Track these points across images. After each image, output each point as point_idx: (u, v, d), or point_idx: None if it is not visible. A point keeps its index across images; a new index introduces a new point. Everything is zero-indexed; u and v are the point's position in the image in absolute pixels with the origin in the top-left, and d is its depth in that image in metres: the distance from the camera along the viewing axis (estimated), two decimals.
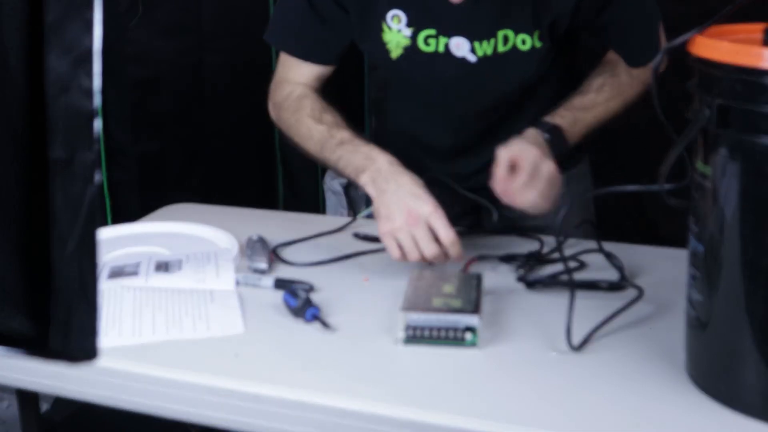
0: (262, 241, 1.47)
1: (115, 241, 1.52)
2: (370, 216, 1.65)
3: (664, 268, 1.37)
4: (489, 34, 1.37)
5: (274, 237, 1.52)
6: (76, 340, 0.44)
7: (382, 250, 1.46)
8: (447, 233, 1.25)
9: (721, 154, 0.94)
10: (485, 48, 1.38)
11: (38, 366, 1.15)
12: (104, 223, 2.28)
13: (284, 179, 2.97)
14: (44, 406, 1.49)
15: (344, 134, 1.38)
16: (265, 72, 2.84)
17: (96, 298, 0.45)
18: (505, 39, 1.37)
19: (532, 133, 1.35)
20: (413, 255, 1.26)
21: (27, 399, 1.37)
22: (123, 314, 1.23)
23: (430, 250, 1.25)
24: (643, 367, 1.08)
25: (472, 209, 1.56)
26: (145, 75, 2.39)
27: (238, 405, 1.06)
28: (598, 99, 1.42)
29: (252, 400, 1.05)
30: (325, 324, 1.19)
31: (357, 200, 2.82)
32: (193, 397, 1.08)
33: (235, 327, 1.20)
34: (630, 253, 1.41)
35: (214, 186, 2.57)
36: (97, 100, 0.43)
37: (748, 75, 0.90)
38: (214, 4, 2.56)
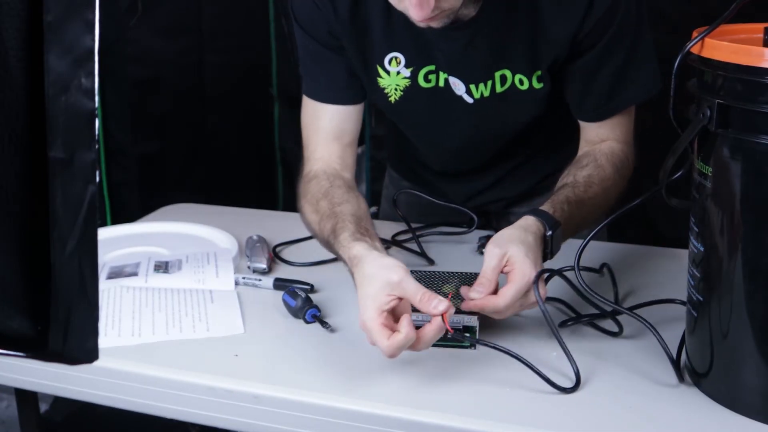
0: (262, 241, 1.47)
1: (115, 241, 1.52)
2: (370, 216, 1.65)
3: (664, 268, 1.37)
4: (485, 77, 1.31)
5: (274, 237, 1.52)
6: (76, 341, 0.44)
7: None
8: (383, 346, 1.02)
9: (722, 154, 0.94)
10: (482, 90, 1.32)
11: (37, 366, 1.15)
12: (104, 223, 2.28)
13: (284, 179, 2.97)
14: (43, 407, 1.49)
15: (329, 227, 1.22)
16: (265, 72, 2.86)
17: (96, 298, 0.45)
18: (503, 79, 1.31)
19: (532, 225, 1.15)
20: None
21: (26, 399, 1.37)
22: (123, 314, 1.23)
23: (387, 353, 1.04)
24: (643, 367, 1.08)
25: (481, 215, 1.55)
26: (145, 75, 2.39)
27: (238, 405, 1.06)
28: (589, 194, 1.25)
29: (252, 400, 1.05)
30: (325, 324, 1.19)
31: None
32: (193, 397, 1.08)
33: (235, 327, 1.20)
34: (630, 253, 1.41)
35: (214, 186, 2.57)
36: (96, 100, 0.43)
37: (748, 75, 0.90)
38: (214, 4, 2.56)
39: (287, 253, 1.47)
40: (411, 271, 1.26)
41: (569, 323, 1.18)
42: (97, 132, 0.44)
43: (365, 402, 1.02)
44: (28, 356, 0.45)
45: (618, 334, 1.15)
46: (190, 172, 2.57)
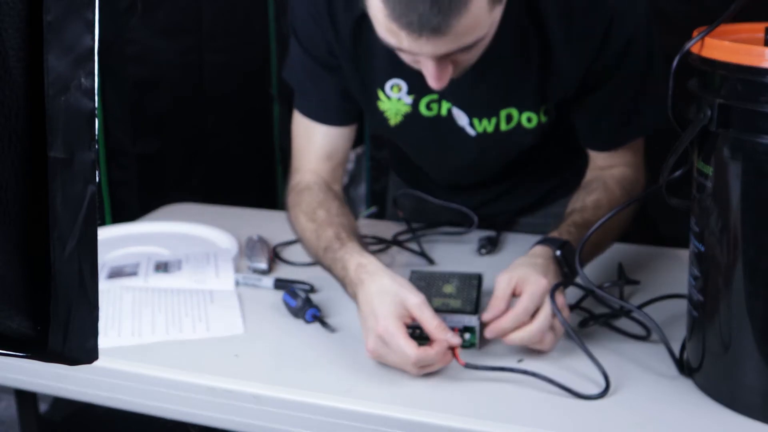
0: (262, 241, 1.47)
1: (115, 241, 1.52)
2: (371, 216, 1.65)
3: (664, 268, 1.37)
4: (490, 113, 1.29)
5: (274, 237, 1.52)
6: (76, 341, 0.44)
7: (382, 250, 1.47)
8: (411, 353, 1.04)
9: (722, 154, 0.94)
10: (485, 125, 1.30)
11: (37, 366, 1.15)
12: (104, 223, 2.28)
13: (284, 179, 2.97)
14: (43, 407, 1.49)
15: (329, 234, 1.23)
16: (265, 72, 2.85)
17: (96, 298, 0.45)
18: (509, 118, 1.29)
19: (539, 251, 1.16)
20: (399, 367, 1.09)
21: (26, 399, 1.36)
22: (122, 314, 1.23)
23: (400, 365, 1.07)
24: (644, 367, 1.08)
25: (485, 221, 1.54)
26: (145, 75, 2.39)
27: (238, 405, 1.06)
28: (598, 215, 1.21)
29: (252, 400, 1.05)
30: (324, 324, 1.19)
31: (356, 200, 2.82)
32: (193, 397, 1.08)
33: (235, 327, 1.20)
34: (630, 253, 1.41)
35: (214, 186, 2.57)
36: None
37: (749, 74, 0.90)
38: (214, 4, 2.56)
39: (287, 253, 1.47)
40: (411, 271, 1.27)
41: (590, 324, 1.18)
42: (97, 132, 0.44)
43: (365, 402, 1.02)
44: (27, 356, 0.45)
45: (646, 338, 1.14)
46: (190, 172, 2.56)
